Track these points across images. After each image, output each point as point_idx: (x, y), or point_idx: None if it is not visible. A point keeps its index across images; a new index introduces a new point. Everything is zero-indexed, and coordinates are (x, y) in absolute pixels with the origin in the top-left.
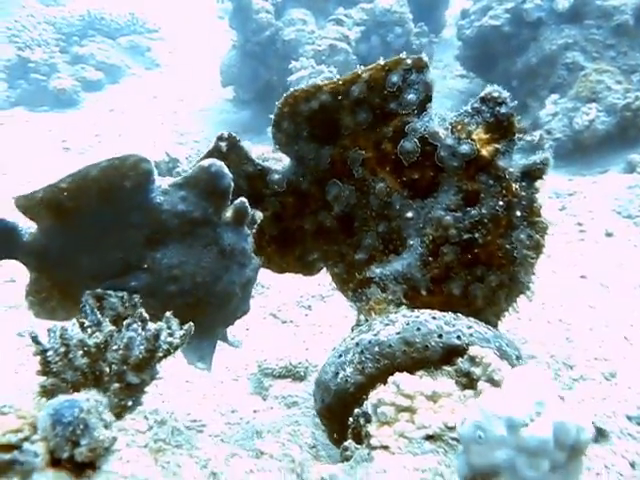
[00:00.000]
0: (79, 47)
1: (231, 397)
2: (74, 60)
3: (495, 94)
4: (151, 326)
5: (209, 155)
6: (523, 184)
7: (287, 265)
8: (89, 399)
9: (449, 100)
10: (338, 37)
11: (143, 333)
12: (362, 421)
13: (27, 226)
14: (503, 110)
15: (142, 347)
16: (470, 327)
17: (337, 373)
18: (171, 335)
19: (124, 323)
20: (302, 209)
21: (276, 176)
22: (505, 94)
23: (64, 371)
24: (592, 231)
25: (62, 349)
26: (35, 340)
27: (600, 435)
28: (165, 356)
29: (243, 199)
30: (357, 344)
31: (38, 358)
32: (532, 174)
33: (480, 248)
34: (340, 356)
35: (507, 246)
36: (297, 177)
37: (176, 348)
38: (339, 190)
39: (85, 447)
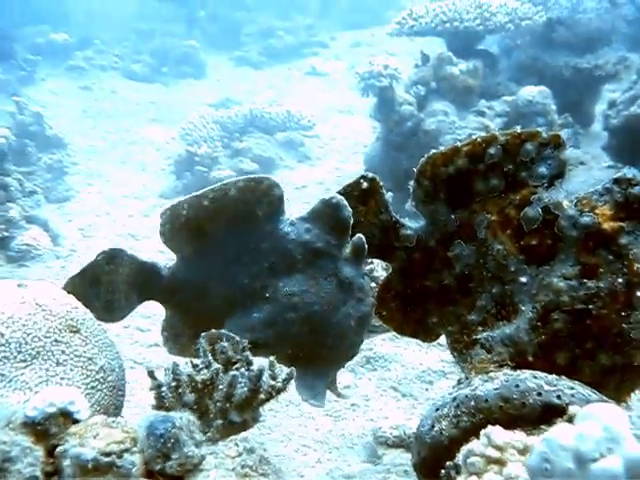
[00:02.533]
0: (239, 142)
1: (343, 463)
2: (234, 154)
3: (629, 175)
4: (255, 367)
5: (347, 188)
6: None
7: (407, 326)
8: (182, 417)
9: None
10: (478, 127)
11: (247, 373)
12: (452, 473)
13: (164, 264)
14: (635, 191)
15: (245, 387)
16: (572, 388)
17: (433, 426)
18: (274, 378)
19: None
20: (427, 266)
21: (409, 231)
22: (638, 175)
23: (175, 406)
24: None
25: (173, 384)
26: (151, 375)
27: None
28: (268, 399)
29: (360, 235)
30: (454, 399)
31: (153, 392)
32: None
33: (593, 320)
34: (437, 410)
35: (624, 325)
36: (427, 235)
37: (279, 391)
38: (461, 249)
39: (175, 461)
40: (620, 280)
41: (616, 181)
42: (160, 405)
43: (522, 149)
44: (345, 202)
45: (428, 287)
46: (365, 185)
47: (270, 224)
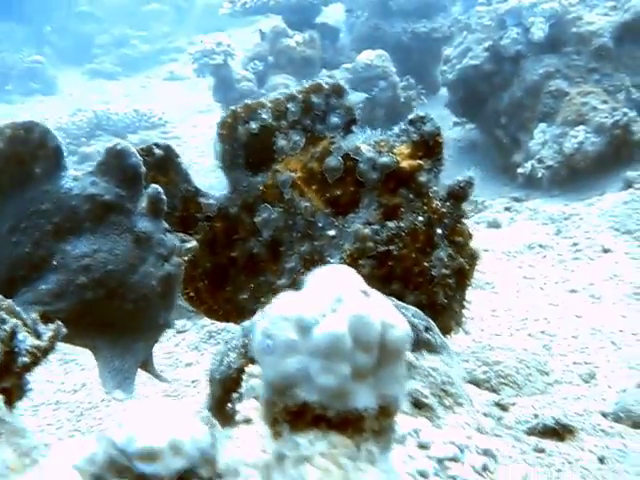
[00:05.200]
0: (87, 147)
1: None
2: (82, 159)
3: (422, 114)
4: (6, 325)
5: (141, 154)
6: (448, 204)
7: (217, 307)
8: None
9: (446, 149)
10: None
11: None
12: (237, 403)
13: None
14: (428, 128)
15: None
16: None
17: (222, 361)
18: (38, 337)
19: None
20: (232, 236)
21: (210, 200)
22: (431, 115)
23: None
24: (588, 250)
25: None
26: None
27: (564, 431)
28: (34, 362)
29: (155, 185)
30: (242, 328)
31: None
32: (456, 194)
33: (396, 261)
34: (226, 343)
35: (425, 264)
36: (230, 203)
37: (45, 352)
38: (269, 213)
39: None
40: (420, 218)
41: (411, 121)
42: None
43: (311, 103)
44: (132, 149)
45: (235, 259)
46: (159, 152)
47: (50, 182)
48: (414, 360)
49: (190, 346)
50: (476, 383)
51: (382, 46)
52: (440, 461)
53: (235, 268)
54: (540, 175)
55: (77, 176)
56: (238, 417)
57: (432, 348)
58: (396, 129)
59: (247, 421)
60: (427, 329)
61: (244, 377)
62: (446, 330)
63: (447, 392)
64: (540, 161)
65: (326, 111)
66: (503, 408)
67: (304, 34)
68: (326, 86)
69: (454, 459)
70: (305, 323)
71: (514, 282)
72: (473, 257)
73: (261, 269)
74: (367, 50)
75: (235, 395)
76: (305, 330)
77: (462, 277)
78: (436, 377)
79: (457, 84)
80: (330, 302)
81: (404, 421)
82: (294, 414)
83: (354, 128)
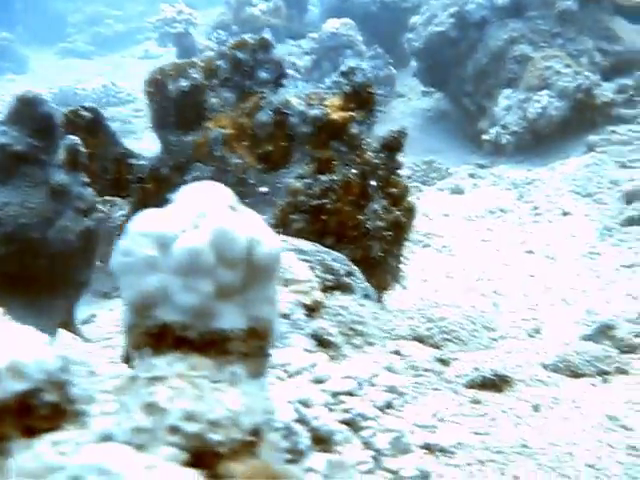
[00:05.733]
0: None
1: None
2: None
3: (353, 64)
4: None
5: (69, 115)
6: (382, 155)
7: None
8: None
9: (414, 119)
10: (287, 66)
11: None
12: None
13: None
14: (359, 79)
15: None
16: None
17: None
18: None
19: None
20: (163, 197)
21: (141, 161)
22: (364, 65)
23: None
24: (548, 213)
25: None
26: None
27: (502, 382)
28: None
29: (73, 137)
30: None
31: None
32: (390, 145)
33: (329, 215)
34: None
35: (359, 217)
36: (161, 163)
37: None
38: (200, 172)
39: None
40: (354, 171)
41: (343, 73)
42: None
43: (239, 59)
44: (44, 98)
45: None
46: (87, 115)
47: None
48: (322, 298)
49: None
50: (420, 339)
51: (351, 17)
52: (335, 395)
53: None
54: (505, 141)
55: None
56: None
57: (351, 291)
58: (328, 81)
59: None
60: (349, 274)
61: None
62: (382, 285)
63: (356, 331)
64: (504, 127)
65: (254, 66)
66: (445, 363)
67: (269, 2)
68: (251, 41)
69: (350, 393)
70: (165, 239)
71: (472, 245)
72: (410, 210)
73: None
74: (333, 19)
75: None
76: (165, 246)
77: (399, 230)
78: (345, 316)
79: (423, 52)
80: (193, 217)
81: (302, 357)
82: (155, 336)
83: (285, 82)
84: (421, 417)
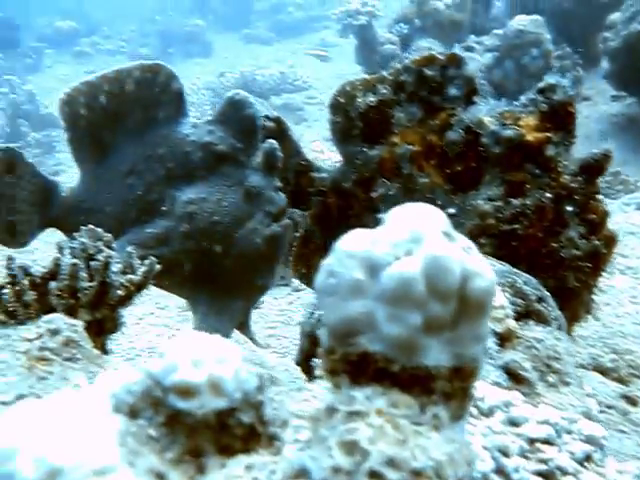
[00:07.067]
0: None
1: None
2: None
3: (552, 81)
4: (100, 256)
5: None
6: (579, 179)
7: None
8: None
9: (600, 124)
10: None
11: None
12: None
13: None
14: (559, 97)
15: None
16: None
17: (312, 313)
18: (132, 271)
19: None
20: (346, 211)
21: (323, 174)
22: (564, 82)
23: (17, 308)
24: None
25: (8, 280)
26: None
27: None
28: (128, 296)
29: (272, 141)
30: None
31: None
32: (590, 168)
33: (520, 241)
34: None
35: (553, 244)
36: (344, 177)
37: (139, 287)
38: (386, 189)
39: None
40: (548, 195)
41: (540, 90)
42: (1, 309)
43: (425, 75)
44: (252, 100)
45: None
46: (271, 125)
47: (169, 127)
48: (517, 329)
49: (304, 305)
50: (601, 371)
51: (539, 13)
52: (530, 441)
53: None
54: None
55: (196, 123)
56: (317, 371)
57: (543, 320)
58: (523, 99)
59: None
60: (540, 299)
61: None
62: (574, 318)
63: (552, 368)
64: None
65: (442, 82)
66: (631, 402)
67: None
68: (440, 57)
69: (548, 441)
70: (374, 262)
71: None
72: (610, 239)
73: None
74: (521, 15)
75: (321, 350)
76: (373, 270)
77: (597, 261)
78: (540, 350)
79: (620, 52)
80: (405, 241)
81: (495, 393)
82: (354, 364)
83: (476, 99)
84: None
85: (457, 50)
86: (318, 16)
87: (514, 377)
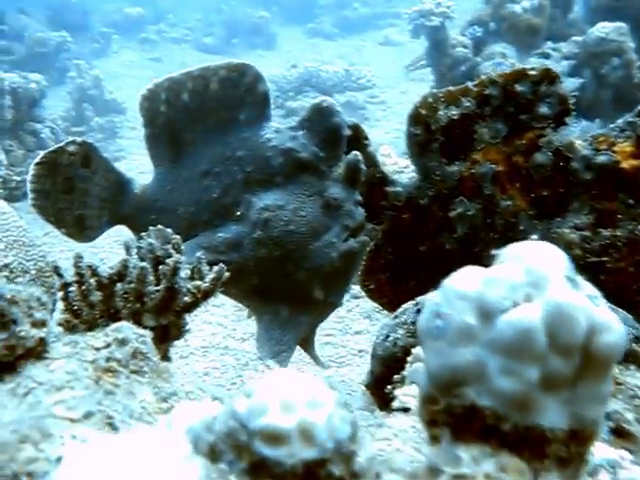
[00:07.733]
0: (293, 102)
1: None
2: (288, 113)
3: None
4: (170, 260)
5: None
6: None
7: (398, 302)
8: (21, 291)
9: None
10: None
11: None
12: (398, 386)
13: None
14: None
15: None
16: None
17: (388, 336)
18: (201, 278)
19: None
20: (420, 228)
21: (398, 188)
22: None
23: (82, 307)
24: None
25: (75, 278)
26: (57, 272)
27: None
28: (195, 303)
29: (357, 152)
30: (416, 303)
31: (61, 293)
32: None
33: (609, 275)
34: (396, 317)
35: None
36: (420, 192)
37: (206, 294)
38: (465, 208)
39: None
40: None
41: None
42: (67, 307)
43: (514, 91)
44: (338, 108)
45: (422, 254)
46: (347, 132)
47: (251, 129)
48: (617, 374)
49: (363, 314)
50: None
51: (622, 19)
52: None
53: (421, 263)
54: None
55: (279, 128)
56: (395, 403)
57: None
58: (620, 122)
59: (405, 410)
60: (638, 339)
61: (410, 359)
62: None
63: None
64: None
65: (533, 100)
66: None
67: (533, 0)
68: (532, 72)
69: None
70: (489, 306)
71: None
72: None
73: (450, 269)
74: (603, 22)
75: (396, 377)
76: (487, 315)
77: None
78: None
79: None
80: (524, 285)
81: (598, 449)
82: (458, 418)
83: (567, 120)
84: None
85: (533, 58)
86: (383, 13)
87: (616, 430)
